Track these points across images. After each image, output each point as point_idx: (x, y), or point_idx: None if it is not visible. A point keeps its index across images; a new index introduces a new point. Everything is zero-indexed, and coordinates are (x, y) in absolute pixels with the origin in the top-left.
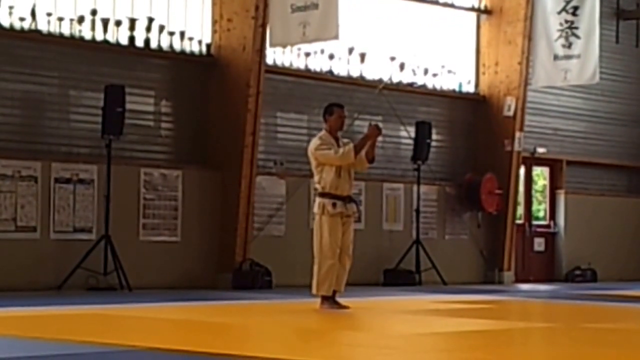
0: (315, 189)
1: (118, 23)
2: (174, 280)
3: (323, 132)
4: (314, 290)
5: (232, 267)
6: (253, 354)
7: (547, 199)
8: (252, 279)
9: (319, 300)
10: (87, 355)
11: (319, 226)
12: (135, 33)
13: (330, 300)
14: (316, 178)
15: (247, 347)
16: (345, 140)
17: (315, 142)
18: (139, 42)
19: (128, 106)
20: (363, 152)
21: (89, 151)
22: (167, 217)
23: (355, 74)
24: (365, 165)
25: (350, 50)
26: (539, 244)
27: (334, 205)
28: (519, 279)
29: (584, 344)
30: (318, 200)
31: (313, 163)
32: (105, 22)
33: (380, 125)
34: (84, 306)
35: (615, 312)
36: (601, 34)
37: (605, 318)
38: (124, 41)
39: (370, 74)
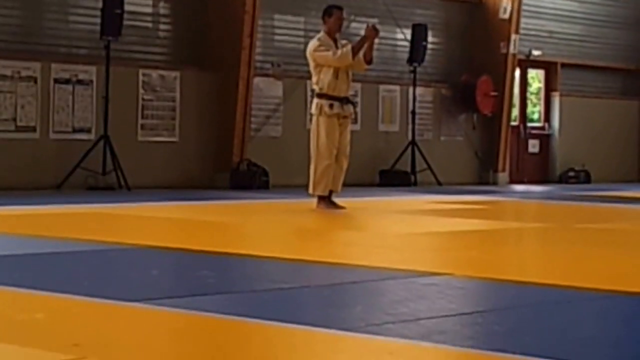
0: (313, 90)
1: None
2: (172, 180)
3: (322, 34)
4: (310, 190)
5: (230, 167)
6: (250, 252)
7: (542, 101)
8: (249, 179)
9: (315, 200)
10: (87, 253)
11: (316, 127)
12: None
13: (326, 200)
14: (314, 79)
15: (244, 245)
16: (344, 41)
17: (314, 43)
18: None
19: (127, 7)
20: (361, 53)
21: (87, 52)
22: (165, 118)
23: None
24: (364, 66)
25: None
26: (533, 145)
27: (331, 106)
28: (513, 180)
29: (577, 243)
30: (315, 101)
31: (311, 64)
32: None
33: (378, 27)
34: (83, 205)
35: (608, 212)
36: None
37: (598, 218)
38: None
39: None
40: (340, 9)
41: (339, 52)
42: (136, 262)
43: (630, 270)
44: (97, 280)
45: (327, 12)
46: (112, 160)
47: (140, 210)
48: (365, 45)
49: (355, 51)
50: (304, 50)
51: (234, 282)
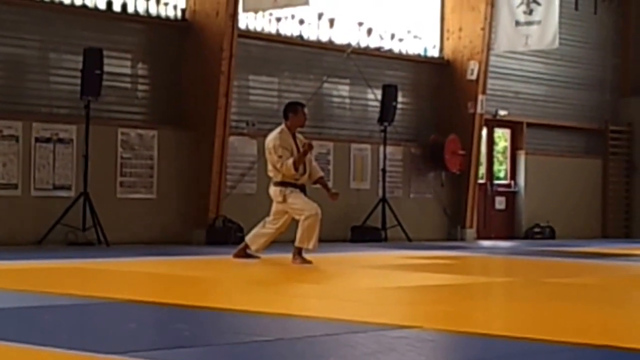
0: (270, 177)
1: None
2: (150, 236)
3: (283, 128)
4: (310, 247)
5: (206, 223)
6: (225, 305)
7: (508, 160)
8: (225, 235)
9: (289, 255)
10: (67, 307)
11: (290, 200)
12: None
13: (301, 255)
14: (277, 165)
15: (219, 299)
16: (302, 137)
17: (274, 139)
18: (117, 7)
19: (106, 68)
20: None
21: (68, 112)
22: (143, 176)
23: (324, 38)
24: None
25: (320, 16)
26: (500, 202)
27: (292, 190)
28: (480, 236)
29: (542, 297)
30: (279, 188)
31: (270, 157)
32: None
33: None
34: (63, 260)
35: (571, 267)
36: (561, 1)
37: (562, 273)
38: (102, 6)
39: (339, 39)
40: (302, 106)
41: (285, 165)
42: (115, 316)
43: (594, 323)
44: (77, 333)
45: (291, 109)
46: (92, 217)
47: (119, 266)
48: (301, 155)
49: (297, 165)
50: (278, 110)
51: (209, 335)
